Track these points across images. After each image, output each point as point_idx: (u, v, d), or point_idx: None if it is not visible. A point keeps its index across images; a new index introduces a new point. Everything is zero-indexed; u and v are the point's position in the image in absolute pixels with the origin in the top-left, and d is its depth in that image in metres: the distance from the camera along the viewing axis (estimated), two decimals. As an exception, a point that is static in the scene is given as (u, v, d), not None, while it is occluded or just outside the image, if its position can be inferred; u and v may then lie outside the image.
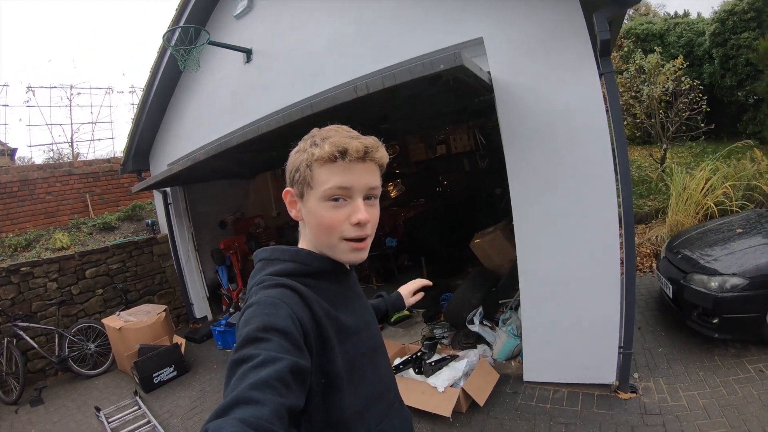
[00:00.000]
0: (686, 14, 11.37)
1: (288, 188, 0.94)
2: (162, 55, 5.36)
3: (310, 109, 2.65)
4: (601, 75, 2.60)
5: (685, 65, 7.89)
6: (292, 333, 0.74)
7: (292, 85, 4.05)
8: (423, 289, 1.53)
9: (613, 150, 2.65)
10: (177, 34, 4.37)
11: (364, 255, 0.91)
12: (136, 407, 4.14)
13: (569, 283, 2.95)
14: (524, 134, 2.88)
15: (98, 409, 4.13)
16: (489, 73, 2.85)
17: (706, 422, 2.55)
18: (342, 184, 0.84)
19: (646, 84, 7.50)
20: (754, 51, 7.92)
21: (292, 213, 0.95)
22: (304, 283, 0.87)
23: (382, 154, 0.90)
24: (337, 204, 0.86)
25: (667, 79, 7.42)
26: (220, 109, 5.03)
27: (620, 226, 2.75)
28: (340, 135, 0.86)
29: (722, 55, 8.74)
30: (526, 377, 3.28)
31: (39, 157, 12.24)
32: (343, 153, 0.83)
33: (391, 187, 9.07)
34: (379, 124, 3.90)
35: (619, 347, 2.89)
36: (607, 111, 2.61)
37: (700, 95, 7.33)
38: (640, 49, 8.74)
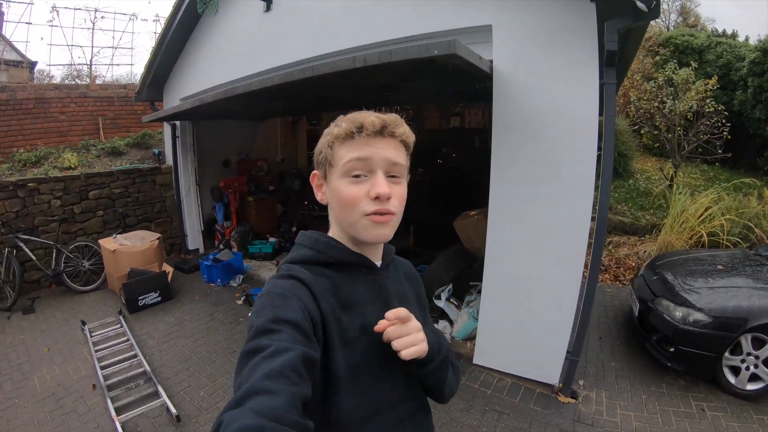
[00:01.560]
0: (734, 35, 10.91)
1: (315, 171, 0.94)
2: (185, -8, 5.33)
3: (311, 71, 2.68)
4: (602, 84, 2.58)
5: (716, 87, 7.65)
6: (303, 324, 0.75)
7: (305, 41, 4.05)
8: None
9: (599, 160, 2.67)
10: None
11: (387, 231, 0.86)
12: (119, 325, 4.39)
13: (531, 278, 3.03)
14: (514, 127, 2.90)
15: (84, 323, 4.38)
16: (491, 61, 2.85)
17: None
18: (359, 156, 0.83)
19: (671, 97, 7.33)
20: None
21: (319, 196, 0.94)
22: (320, 273, 0.87)
23: (404, 131, 0.88)
24: (357, 179, 0.84)
25: (695, 95, 7.22)
26: (235, 54, 5.05)
27: (591, 235, 2.80)
28: (360, 113, 0.86)
29: (757, 86, 8.44)
30: (476, 360, 3.41)
31: (58, 76, 12.28)
32: (360, 128, 0.83)
33: None
34: (384, 91, 3.92)
35: (568, 351, 2.99)
36: (600, 121, 2.62)
37: (723, 121, 7.15)
38: (675, 61, 8.46)
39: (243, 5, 4.84)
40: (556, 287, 2.93)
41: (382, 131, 0.84)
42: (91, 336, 4.14)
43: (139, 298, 4.82)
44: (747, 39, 10.24)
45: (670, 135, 7.50)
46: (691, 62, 8.18)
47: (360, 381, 0.83)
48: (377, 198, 0.83)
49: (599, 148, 2.68)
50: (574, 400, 3.02)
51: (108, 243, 5.34)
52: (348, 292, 0.88)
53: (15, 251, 5.15)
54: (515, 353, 3.22)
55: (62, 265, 5.35)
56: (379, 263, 0.96)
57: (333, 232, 0.94)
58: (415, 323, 0.84)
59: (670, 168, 7.68)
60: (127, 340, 4.06)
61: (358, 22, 3.66)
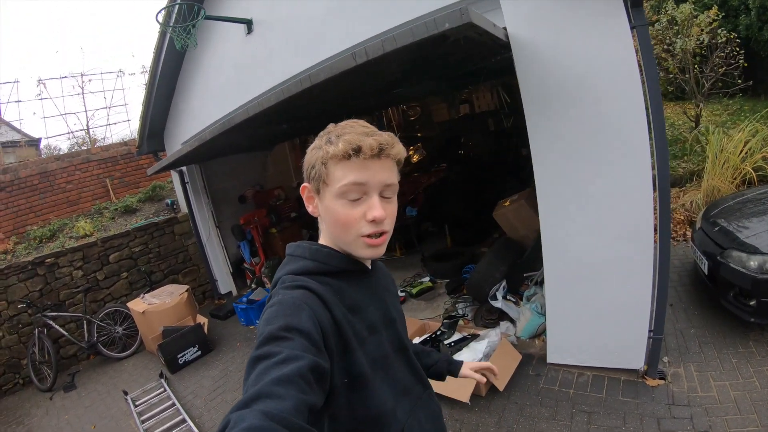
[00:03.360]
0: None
1: (305, 184, 0.94)
2: (163, 34, 5.17)
3: (308, 81, 2.44)
4: (632, 28, 2.28)
5: (720, 16, 7.24)
6: (313, 334, 0.76)
7: (294, 54, 3.82)
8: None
9: (647, 110, 2.37)
10: (176, 10, 4.21)
11: (381, 251, 0.91)
12: (162, 389, 4.22)
13: (597, 259, 2.72)
14: (547, 96, 2.59)
15: (126, 393, 4.25)
16: (505, 29, 2.55)
17: (735, 418, 2.35)
18: (357, 180, 0.84)
19: (678, 36, 6.93)
20: (796, 1, 7.20)
21: (310, 209, 0.96)
22: (324, 282, 0.88)
23: (398, 150, 0.90)
24: (352, 202, 0.86)
25: (702, 31, 6.85)
26: (224, 84, 4.86)
27: (654, 195, 2.49)
28: (355, 131, 0.86)
29: (759, 6, 7.98)
30: (550, 359, 3.12)
31: (64, 147, 12.41)
32: (357, 150, 0.83)
33: (412, 152, 8.68)
34: (390, 89, 3.66)
35: (650, 330, 2.69)
36: (640, 68, 2.32)
37: (738, 49, 6.75)
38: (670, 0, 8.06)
39: (223, 33, 4.66)
40: (626, 264, 2.62)
41: (379, 154, 0.85)
42: (135, 406, 3.98)
43: (178, 356, 4.66)
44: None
45: (687, 75, 7.09)
46: (687, -1, 7.81)
47: (379, 375, 0.90)
48: (373, 221, 0.86)
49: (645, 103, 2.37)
50: (663, 381, 2.73)
51: (136, 305, 5.23)
52: (352, 297, 0.92)
53: (46, 330, 5.10)
54: (591, 344, 2.92)
55: (95, 335, 5.29)
56: (369, 267, 1.02)
57: (326, 242, 0.96)
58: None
59: (693, 109, 7.26)
60: (173, 404, 3.87)
61: (345, 21, 3.41)
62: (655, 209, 2.49)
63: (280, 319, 0.76)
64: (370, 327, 0.92)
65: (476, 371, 1.29)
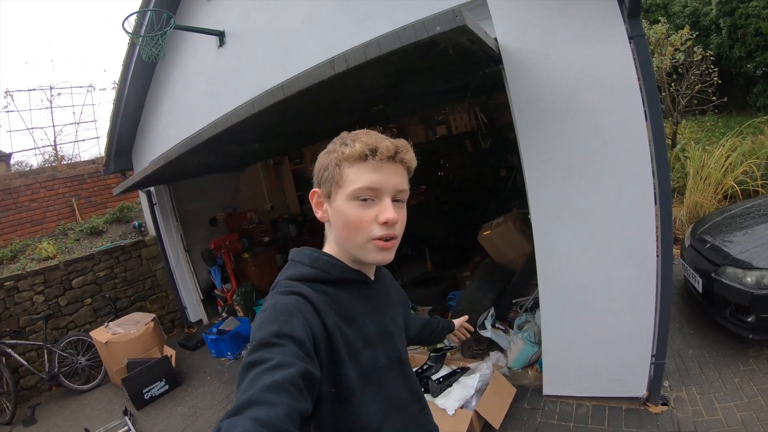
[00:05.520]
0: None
1: (315, 189, 0.93)
2: (133, 46, 4.94)
3: (281, 93, 2.22)
4: (630, 38, 2.17)
5: (693, 35, 7.44)
6: (305, 341, 0.75)
7: (269, 67, 3.61)
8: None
9: (646, 125, 2.24)
10: (146, 19, 3.98)
11: (390, 256, 0.90)
12: (126, 428, 3.84)
13: (596, 281, 2.56)
14: (540, 110, 2.44)
15: (87, 431, 3.84)
16: (495, 39, 2.41)
17: None
18: (372, 183, 0.84)
19: (653, 56, 7.06)
20: (764, 20, 7.47)
21: (319, 214, 0.94)
22: (320, 290, 0.88)
23: (411, 157, 0.91)
24: (365, 203, 0.85)
25: (676, 50, 6.99)
26: (195, 100, 4.62)
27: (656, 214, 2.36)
28: (370, 135, 0.87)
29: (730, 25, 8.34)
30: (546, 390, 2.91)
31: (33, 161, 11.82)
32: (374, 151, 0.84)
33: None
34: (369, 106, 3.47)
35: (652, 356, 2.52)
36: (638, 80, 2.20)
37: (712, 66, 6.93)
38: (644, 20, 8.27)
39: (194, 46, 4.44)
40: (627, 285, 2.46)
41: (394, 157, 0.86)
42: (96, 445, 3.58)
43: (144, 391, 4.28)
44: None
45: (663, 94, 7.20)
46: (660, 18, 8.02)
47: (370, 389, 0.87)
48: (385, 223, 0.85)
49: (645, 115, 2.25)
50: (666, 407, 2.59)
51: (99, 334, 4.83)
52: (348, 307, 0.90)
53: (4, 359, 4.67)
54: (590, 372, 2.74)
55: (56, 365, 4.86)
56: (372, 277, 1.00)
57: (331, 249, 0.95)
58: None
59: (669, 127, 7.37)
60: (137, 445, 3.49)
61: (323, 30, 3.24)
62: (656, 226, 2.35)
63: (272, 325, 0.75)
64: (366, 339, 0.90)
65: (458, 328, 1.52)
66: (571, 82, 2.33)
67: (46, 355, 4.88)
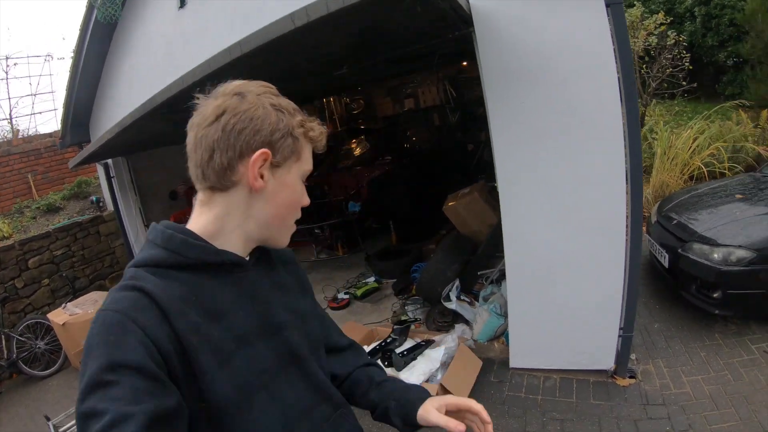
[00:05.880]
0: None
1: (265, 149, 0.72)
2: (91, 9, 4.63)
3: (239, 49, 2.05)
4: (608, 5, 2.09)
5: (668, 20, 7.50)
6: (146, 366, 0.59)
7: (230, 29, 3.37)
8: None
9: (620, 96, 2.18)
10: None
11: None
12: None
13: (564, 253, 2.53)
14: (511, 76, 2.35)
15: (48, 418, 3.64)
16: (467, 1, 2.29)
17: (714, 414, 2.27)
18: (311, 168, 0.83)
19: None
20: (739, 11, 7.58)
21: (257, 182, 0.73)
22: (176, 279, 0.70)
23: None
24: (303, 186, 0.83)
25: (649, 34, 7.04)
26: (155, 65, 4.34)
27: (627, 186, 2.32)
28: (315, 121, 0.81)
29: (705, 14, 8.45)
30: (513, 363, 2.90)
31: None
32: (317, 142, 0.82)
33: (355, 145, 8.10)
34: (333, 68, 3.30)
35: (620, 328, 2.52)
36: (614, 50, 2.13)
37: (684, 51, 7.00)
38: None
39: (154, 8, 4.18)
40: (596, 258, 2.43)
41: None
42: (59, 432, 3.44)
43: (103, 373, 4.07)
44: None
45: (635, 76, 7.26)
46: (635, 2, 8.05)
47: (256, 399, 0.72)
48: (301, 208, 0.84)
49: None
50: (634, 380, 2.63)
51: (57, 316, 4.58)
52: (213, 299, 0.73)
53: (-38, 347, 4.41)
54: (558, 345, 2.73)
55: (15, 351, 4.60)
56: (247, 257, 0.81)
57: (201, 224, 0.76)
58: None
59: (641, 108, 7.47)
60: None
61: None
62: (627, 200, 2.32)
63: (101, 351, 0.59)
64: (240, 337, 0.73)
65: (451, 409, 0.88)
66: (545, 45, 2.25)
67: (3, 342, 4.62)
